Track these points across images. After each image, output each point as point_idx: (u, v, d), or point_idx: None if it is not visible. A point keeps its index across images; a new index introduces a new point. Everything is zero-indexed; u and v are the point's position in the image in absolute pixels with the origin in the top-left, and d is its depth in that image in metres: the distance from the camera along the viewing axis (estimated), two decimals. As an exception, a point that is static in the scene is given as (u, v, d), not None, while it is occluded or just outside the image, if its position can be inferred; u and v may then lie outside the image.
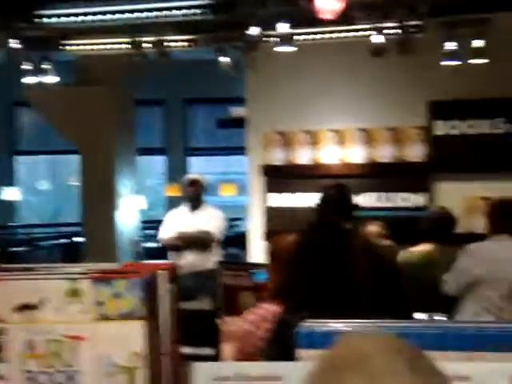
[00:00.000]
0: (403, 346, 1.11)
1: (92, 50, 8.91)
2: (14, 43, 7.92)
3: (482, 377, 1.58)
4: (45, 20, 7.42)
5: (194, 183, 8.52)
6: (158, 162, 18.05)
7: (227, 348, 3.71)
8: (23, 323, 2.13)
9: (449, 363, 1.66)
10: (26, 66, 8.87)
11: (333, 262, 4.44)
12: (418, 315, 4.75)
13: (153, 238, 15.25)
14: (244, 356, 3.58)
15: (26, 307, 2.12)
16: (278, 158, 8.87)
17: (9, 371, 2.15)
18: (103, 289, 2.12)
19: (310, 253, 4.30)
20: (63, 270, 2.26)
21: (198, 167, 17.70)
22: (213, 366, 1.91)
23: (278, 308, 3.39)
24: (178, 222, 8.44)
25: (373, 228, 6.69)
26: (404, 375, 1.05)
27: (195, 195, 8.51)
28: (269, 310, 3.52)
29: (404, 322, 1.97)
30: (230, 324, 3.77)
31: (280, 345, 3.17)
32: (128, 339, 2.12)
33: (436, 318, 4.82)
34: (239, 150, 13.82)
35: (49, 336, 2.12)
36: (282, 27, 7.11)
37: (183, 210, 8.62)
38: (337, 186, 4.97)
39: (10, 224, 17.76)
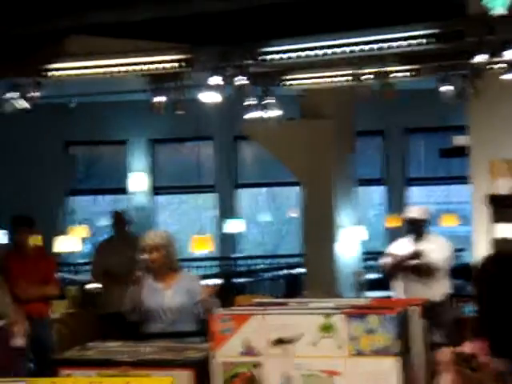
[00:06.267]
0: None
1: (314, 83, 9.02)
2: (239, 80, 8.14)
3: None
4: (269, 57, 7.57)
5: (416, 221, 8.43)
6: (378, 193, 18.02)
7: (446, 378, 3.63)
8: (279, 357, 2.16)
9: None
10: (249, 101, 9.09)
11: None
12: None
13: (374, 269, 15.23)
14: None
15: (281, 341, 2.15)
16: (505, 186, 8.60)
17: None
18: (357, 324, 2.12)
19: None
20: (316, 305, 2.28)
21: (418, 197, 17.49)
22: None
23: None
24: (403, 251, 8.37)
25: None
26: None
27: (418, 229, 8.42)
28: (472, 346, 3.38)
29: None
30: (445, 354, 3.67)
31: None
32: (383, 375, 2.10)
33: None
34: (460, 179, 13.57)
35: (305, 371, 2.14)
36: (510, 54, 6.88)
37: (406, 240, 8.54)
38: None
39: (233, 256, 18.25)
